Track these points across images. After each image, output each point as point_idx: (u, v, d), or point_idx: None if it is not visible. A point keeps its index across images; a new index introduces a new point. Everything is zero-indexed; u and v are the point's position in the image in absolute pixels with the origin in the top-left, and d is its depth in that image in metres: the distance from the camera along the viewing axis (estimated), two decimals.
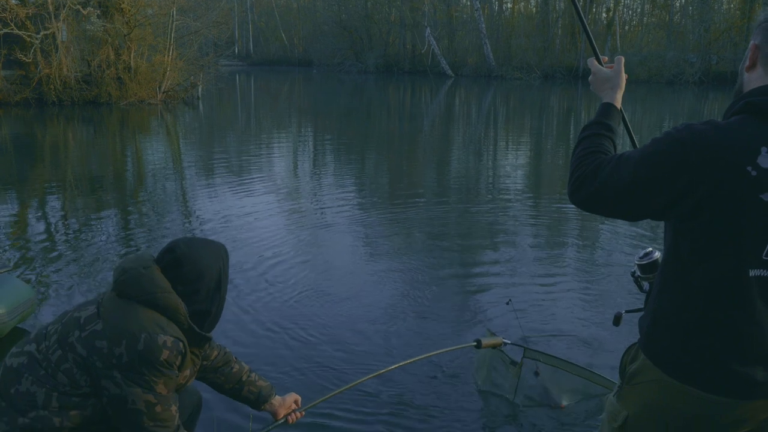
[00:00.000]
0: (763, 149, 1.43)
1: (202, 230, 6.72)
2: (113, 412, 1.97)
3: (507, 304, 4.12)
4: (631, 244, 6.44)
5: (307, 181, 10.11)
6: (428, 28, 42.77)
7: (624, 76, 1.87)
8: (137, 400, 1.95)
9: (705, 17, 36.28)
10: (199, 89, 22.98)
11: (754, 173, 1.43)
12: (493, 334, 3.50)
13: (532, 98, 27.91)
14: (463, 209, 8.10)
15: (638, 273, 2.19)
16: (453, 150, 13.87)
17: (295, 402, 2.66)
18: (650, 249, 2.18)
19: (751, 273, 1.47)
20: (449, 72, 41.39)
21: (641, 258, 2.18)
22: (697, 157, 1.45)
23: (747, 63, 1.59)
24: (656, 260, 2.14)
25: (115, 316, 1.99)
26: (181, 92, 22.23)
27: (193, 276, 2.11)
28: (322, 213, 7.70)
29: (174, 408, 2.04)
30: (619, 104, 1.84)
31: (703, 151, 1.45)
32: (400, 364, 3.06)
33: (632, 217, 1.62)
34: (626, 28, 44.78)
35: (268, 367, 3.82)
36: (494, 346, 3.41)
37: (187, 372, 2.19)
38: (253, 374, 2.60)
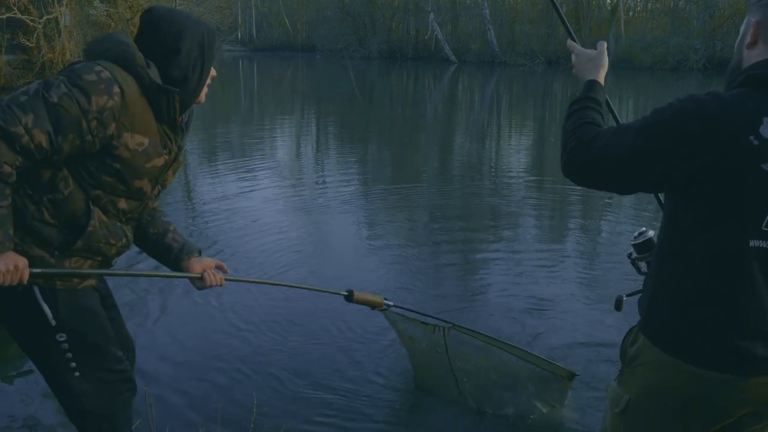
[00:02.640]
0: (765, 119, 1.45)
1: (203, 211, 6.76)
2: None
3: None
4: (633, 224, 6.45)
5: (308, 164, 10.15)
6: (432, 14, 42.45)
7: (606, 58, 1.91)
8: (23, 87, 1.79)
9: (710, 3, 35.95)
10: None
11: (756, 143, 1.44)
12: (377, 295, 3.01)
13: (536, 84, 27.79)
14: (464, 193, 8.13)
15: (634, 254, 2.18)
16: (456, 135, 13.85)
17: (219, 267, 2.34)
18: (644, 229, 2.19)
19: (751, 243, 1.48)
20: (453, 58, 41.14)
21: (636, 237, 2.18)
22: (700, 128, 1.46)
23: (748, 40, 1.58)
24: (650, 239, 2.14)
25: None
26: None
27: (172, 36, 1.97)
28: (321, 195, 7.78)
29: (32, 121, 1.74)
30: (602, 82, 1.87)
31: (706, 122, 1.46)
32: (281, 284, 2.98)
33: (627, 188, 1.63)
34: (630, 14, 44.40)
35: (244, 354, 3.85)
36: (372, 306, 2.95)
37: (146, 142, 1.96)
38: (178, 230, 2.34)
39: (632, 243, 2.18)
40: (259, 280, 2.88)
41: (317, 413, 3.26)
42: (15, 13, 18.12)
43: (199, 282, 2.27)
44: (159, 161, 2.03)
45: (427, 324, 3.19)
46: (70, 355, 2.03)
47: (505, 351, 3.17)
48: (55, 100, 1.77)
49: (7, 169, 1.75)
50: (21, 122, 1.73)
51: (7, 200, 1.78)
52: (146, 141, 1.96)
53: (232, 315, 4.33)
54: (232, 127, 14.40)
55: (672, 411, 1.63)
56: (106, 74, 1.83)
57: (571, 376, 3.14)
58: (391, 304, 3.02)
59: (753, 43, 1.58)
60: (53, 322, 1.97)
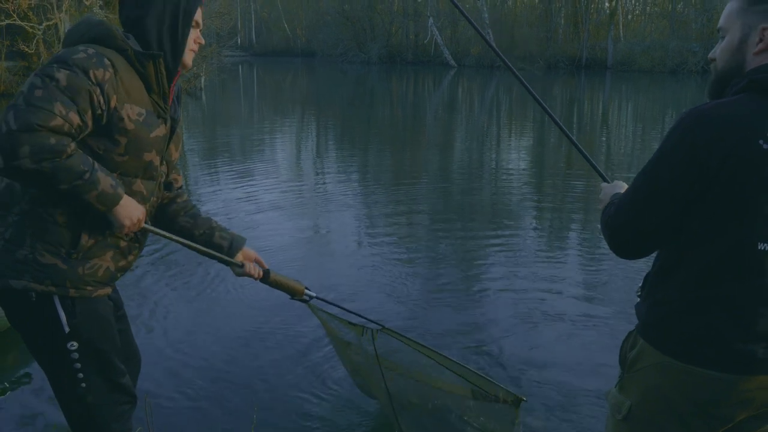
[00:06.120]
0: None
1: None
2: None
3: None
4: None
5: (308, 168, 10.17)
6: (431, 18, 42.57)
7: (621, 182, 1.99)
8: (24, 85, 1.75)
9: (708, 6, 36.10)
10: (202, 80, 22.95)
11: (765, 146, 1.45)
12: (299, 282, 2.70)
13: (535, 88, 27.55)
14: (463, 195, 8.13)
15: None
16: (456, 139, 13.85)
17: (257, 261, 2.49)
18: None
19: (760, 246, 1.49)
20: (452, 62, 41.24)
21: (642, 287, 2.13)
22: (708, 141, 1.47)
23: (759, 47, 1.55)
24: None
25: None
26: (184, 83, 22.20)
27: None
28: (320, 196, 7.78)
29: (61, 107, 1.74)
30: None
31: (713, 133, 1.47)
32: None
33: (661, 231, 1.59)
34: (629, 17, 44.49)
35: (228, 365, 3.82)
36: (291, 294, 2.68)
37: (144, 112, 1.97)
38: (219, 224, 2.42)
39: (638, 294, 2.11)
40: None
41: (318, 424, 3.23)
42: (14, 20, 18.11)
43: (238, 269, 2.41)
44: (160, 131, 2.05)
45: (354, 324, 2.90)
46: (78, 365, 2.02)
47: (439, 364, 2.83)
48: (65, 82, 1.77)
49: (70, 148, 1.77)
50: (55, 112, 1.74)
51: (93, 161, 1.85)
52: (144, 111, 1.97)
53: (233, 323, 4.31)
54: (232, 133, 14.42)
55: (675, 415, 1.62)
56: (92, 50, 1.84)
57: (518, 401, 2.74)
58: (314, 295, 2.75)
59: (764, 50, 1.55)
60: (66, 329, 1.97)
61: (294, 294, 2.67)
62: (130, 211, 1.97)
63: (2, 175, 1.79)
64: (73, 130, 1.79)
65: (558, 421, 3.24)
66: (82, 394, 2.06)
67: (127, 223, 1.96)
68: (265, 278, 2.54)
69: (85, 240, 1.95)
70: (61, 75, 1.77)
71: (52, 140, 1.73)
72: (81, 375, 2.04)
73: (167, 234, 2.22)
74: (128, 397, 2.20)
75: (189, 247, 2.29)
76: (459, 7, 2.55)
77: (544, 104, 2.35)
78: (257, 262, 2.48)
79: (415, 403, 2.97)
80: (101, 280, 2.03)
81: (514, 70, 2.44)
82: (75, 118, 1.78)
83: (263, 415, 3.20)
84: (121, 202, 1.92)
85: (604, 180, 2.09)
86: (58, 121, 1.74)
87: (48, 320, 1.96)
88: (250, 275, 2.43)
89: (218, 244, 2.37)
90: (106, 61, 1.85)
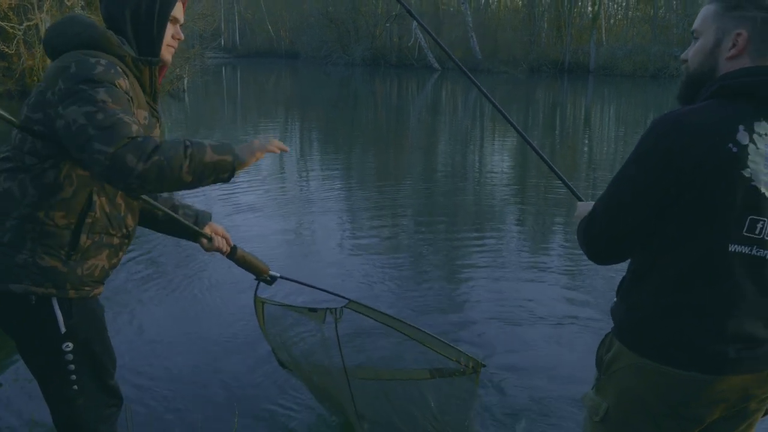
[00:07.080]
0: (740, 127, 1.48)
1: None
2: (70, 149, 1.83)
3: None
4: None
5: (291, 169, 10.16)
6: (415, 21, 42.61)
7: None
8: (77, 117, 1.76)
9: (689, 11, 36.49)
10: (185, 82, 22.81)
11: (735, 150, 1.47)
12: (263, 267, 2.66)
13: (518, 92, 27.95)
14: (446, 196, 8.15)
15: None
16: (439, 141, 13.90)
17: (225, 238, 2.48)
18: None
19: (731, 248, 1.50)
20: (436, 65, 41.29)
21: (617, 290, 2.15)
22: (681, 146, 1.49)
23: (731, 53, 1.57)
24: None
25: (49, 68, 1.92)
26: (167, 85, 22.02)
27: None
28: (304, 198, 7.80)
29: (126, 117, 1.79)
30: None
31: (683, 138, 1.49)
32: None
33: (641, 233, 1.60)
34: (612, 21, 44.88)
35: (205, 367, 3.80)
36: (256, 273, 2.67)
37: (146, 114, 2.03)
38: (182, 201, 2.42)
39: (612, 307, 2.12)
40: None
41: (302, 427, 3.23)
42: None
43: (207, 243, 2.41)
44: (156, 131, 2.09)
45: (315, 310, 2.78)
46: (72, 366, 2.01)
47: (405, 335, 2.79)
48: (109, 98, 1.79)
49: (155, 138, 1.81)
50: (127, 121, 1.76)
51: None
52: (146, 113, 2.01)
53: (211, 326, 4.30)
54: (216, 134, 14.36)
55: (649, 416, 1.64)
56: (104, 61, 1.86)
57: (478, 366, 2.77)
58: (278, 275, 2.71)
59: (737, 56, 1.57)
60: (63, 330, 1.96)
61: (259, 273, 2.67)
62: (248, 143, 1.98)
63: (135, 194, 1.93)
64: (143, 131, 1.83)
65: (536, 423, 3.26)
66: (73, 396, 2.05)
67: (260, 144, 1.97)
68: (232, 254, 2.55)
69: (84, 240, 1.95)
70: (101, 94, 1.79)
71: (140, 139, 1.75)
72: (74, 377, 2.03)
73: (157, 204, 2.23)
74: (116, 400, 2.19)
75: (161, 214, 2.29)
76: (412, 12, 2.57)
77: (516, 125, 2.41)
78: (224, 238, 2.48)
79: (376, 404, 2.96)
80: (97, 279, 2.03)
81: (474, 79, 2.48)
82: (137, 121, 1.84)
83: (242, 419, 3.19)
84: (234, 145, 1.94)
85: (579, 199, 2.12)
86: (134, 127, 1.78)
87: (45, 322, 1.95)
88: (218, 249, 2.44)
89: (182, 223, 2.36)
90: (119, 70, 1.88)
